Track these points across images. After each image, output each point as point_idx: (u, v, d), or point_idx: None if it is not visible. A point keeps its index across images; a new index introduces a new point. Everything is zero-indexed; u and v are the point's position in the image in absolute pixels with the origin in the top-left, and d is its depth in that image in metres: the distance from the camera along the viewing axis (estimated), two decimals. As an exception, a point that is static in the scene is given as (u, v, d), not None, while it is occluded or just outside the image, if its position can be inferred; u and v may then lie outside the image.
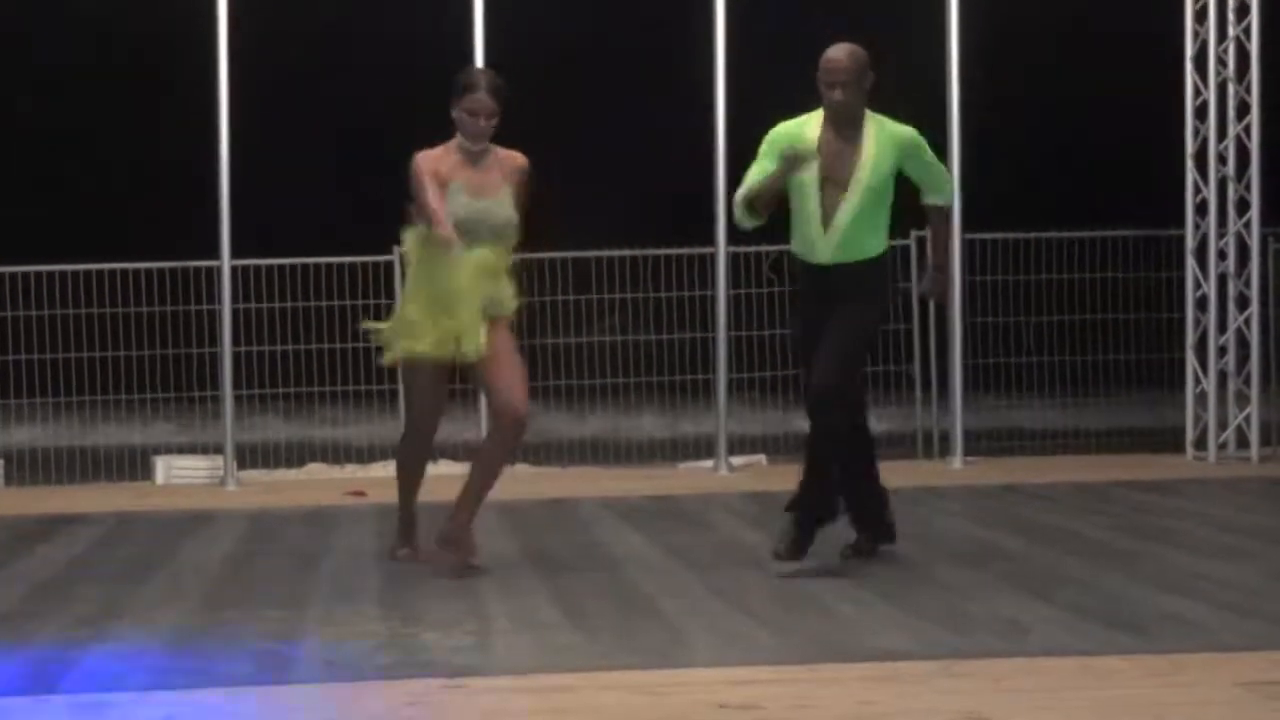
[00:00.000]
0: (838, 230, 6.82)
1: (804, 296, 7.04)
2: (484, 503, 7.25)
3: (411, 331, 7.07)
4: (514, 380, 7.06)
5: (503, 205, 7.06)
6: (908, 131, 6.94)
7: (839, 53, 6.86)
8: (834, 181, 6.81)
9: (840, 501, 7.04)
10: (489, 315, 7.02)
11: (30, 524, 9.01)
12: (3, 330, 11.49)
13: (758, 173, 6.89)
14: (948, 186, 7.17)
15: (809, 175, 6.80)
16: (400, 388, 9.62)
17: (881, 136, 6.83)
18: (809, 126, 6.87)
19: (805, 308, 7.01)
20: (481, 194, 7.04)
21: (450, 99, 7.12)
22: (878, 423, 12.29)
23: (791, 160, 6.74)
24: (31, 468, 11.66)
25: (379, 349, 7.34)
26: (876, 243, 6.91)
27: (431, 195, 6.94)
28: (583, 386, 12.16)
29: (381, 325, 7.27)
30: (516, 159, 7.16)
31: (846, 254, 6.85)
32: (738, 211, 6.97)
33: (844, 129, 6.83)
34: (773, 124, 7.02)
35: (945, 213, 7.22)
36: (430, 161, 7.05)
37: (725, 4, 10.56)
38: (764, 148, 6.92)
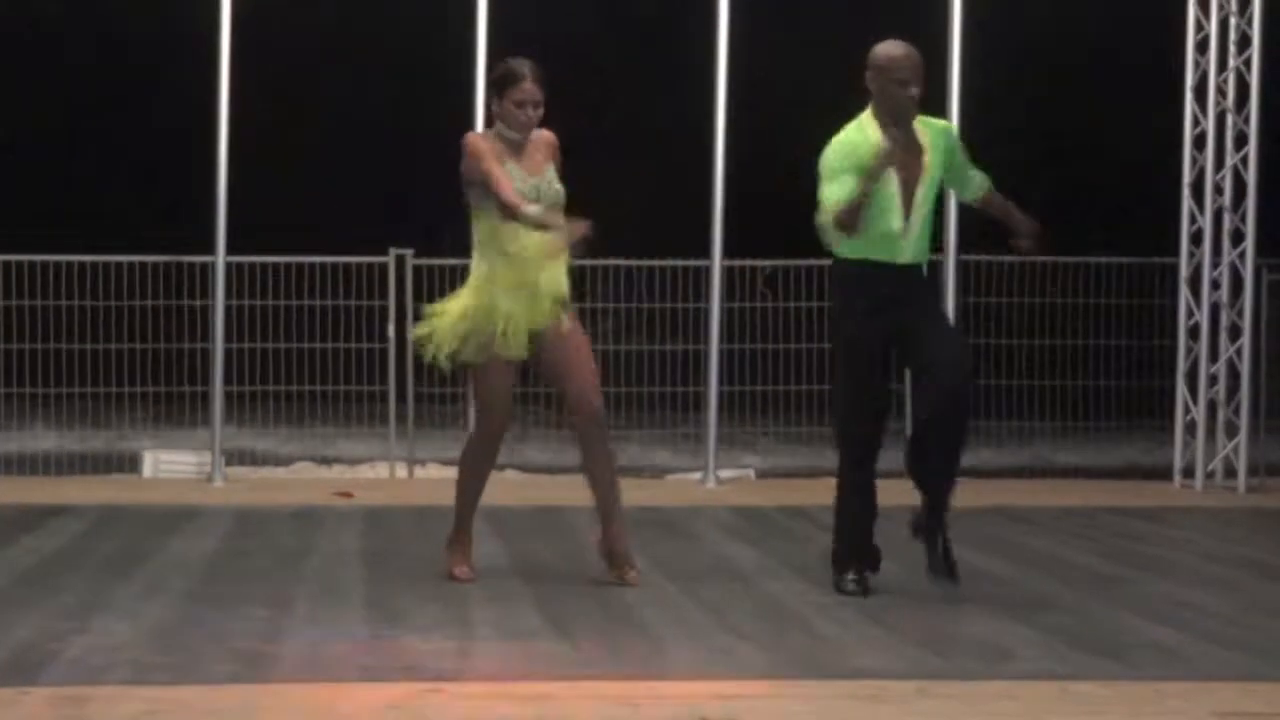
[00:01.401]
0: (915, 228, 6.79)
1: (875, 303, 6.75)
2: (478, 509, 7.20)
3: (487, 327, 6.87)
4: (582, 371, 6.92)
5: (552, 182, 6.94)
6: (939, 122, 6.94)
7: (907, 49, 6.81)
8: (907, 180, 6.76)
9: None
10: (561, 303, 6.92)
11: (15, 515, 9.00)
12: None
13: (840, 189, 6.67)
14: (977, 186, 6.98)
15: (887, 180, 6.73)
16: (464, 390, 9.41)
17: (930, 130, 6.83)
18: (869, 131, 6.77)
19: (876, 315, 6.73)
20: (534, 172, 6.94)
21: (492, 94, 7.00)
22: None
23: (889, 155, 6.65)
24: (18, 459, 11.65)
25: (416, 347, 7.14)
26: (930, 242, 6.93)
27: (503, 174, 6.79)
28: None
29: (431, 327, 6.98)
30: (547, 135, 7.02)
31: (921, 253, 6.83)
32: (831, 235, 6.78)
33: (904, 128, 6.77)
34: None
35: (985, 192, 7.04)
36: (488, 144, 6.94)
37: (728, 13, 10.58)
38: (833, 164, 6.71)
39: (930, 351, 6.70)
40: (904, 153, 6.73)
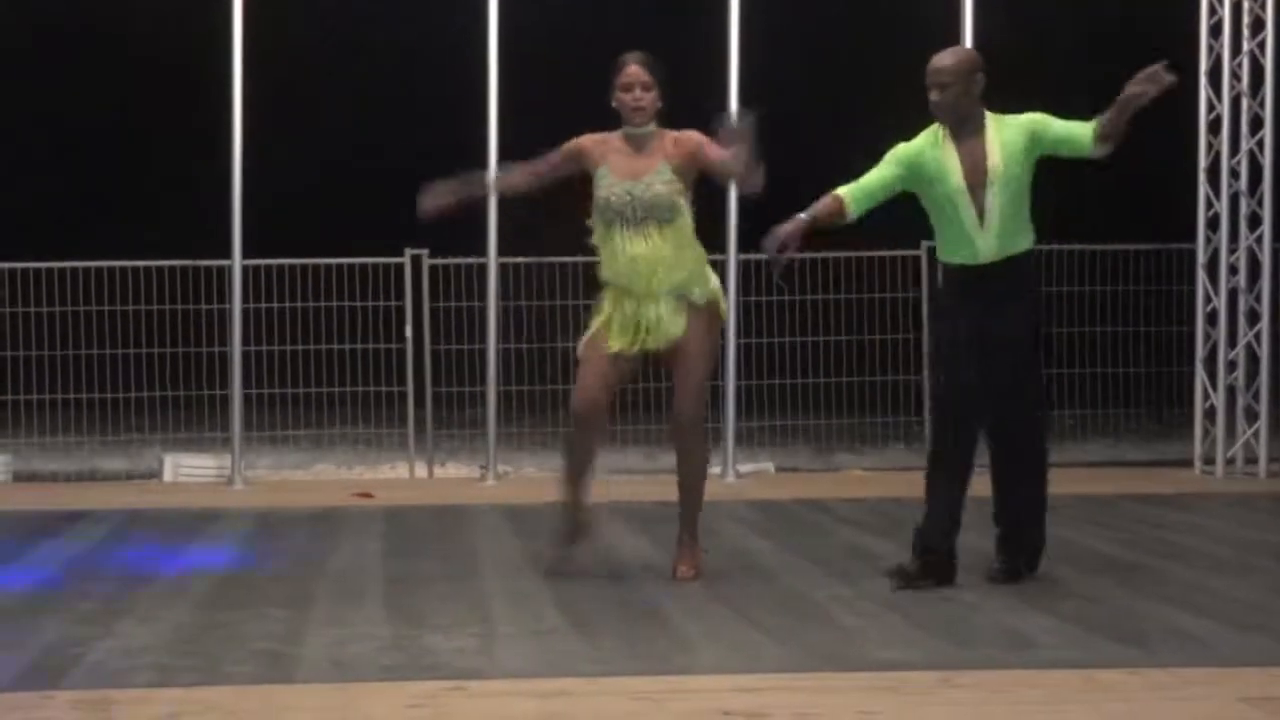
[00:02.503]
0: (994, 227, 6.80)
1: (958, 303, 6.89)
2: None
3: (602, 319, 6.95)
4: (685, 379, 6.89)
5: (651, 184, 6.83)
6: (1027, 116, 6.92)
7: (940, 56, 6.90)
8: (976, 184, 6.80)
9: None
10: (678, 302, 6.86)
11: (37, 520, 9.03)
12: (14, 325, 11.52)
13: (875, 177, 6.86)
14: (1088, 138, 6.84)
15: (956, 185, 6.78)
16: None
17: (1004, 128, 6.85)
18: (930, 141, 6.86)
19: (960, 314, 6.86)
20: (634, 176, 6.86)
21: (610, 93, 6.93)
22: (888, 432, 12.34)
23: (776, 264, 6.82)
24: (41, 463, 11.69)
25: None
26: (1027, 237, 6.90)
27: (523, 167, 6.85)
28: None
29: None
30: (685, 137, 6.89)
31: (1004, 249, 6.82)
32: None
33: (960, 132, 6.82)
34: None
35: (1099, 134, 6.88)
36: (585, 142, 6.93)
37: (739, 9, 10.57)
38: (888, 155, 6.90)
39: (998, 365, 6.79)
40: (967, 163, 6.79)
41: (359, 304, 11.58)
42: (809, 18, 12.98)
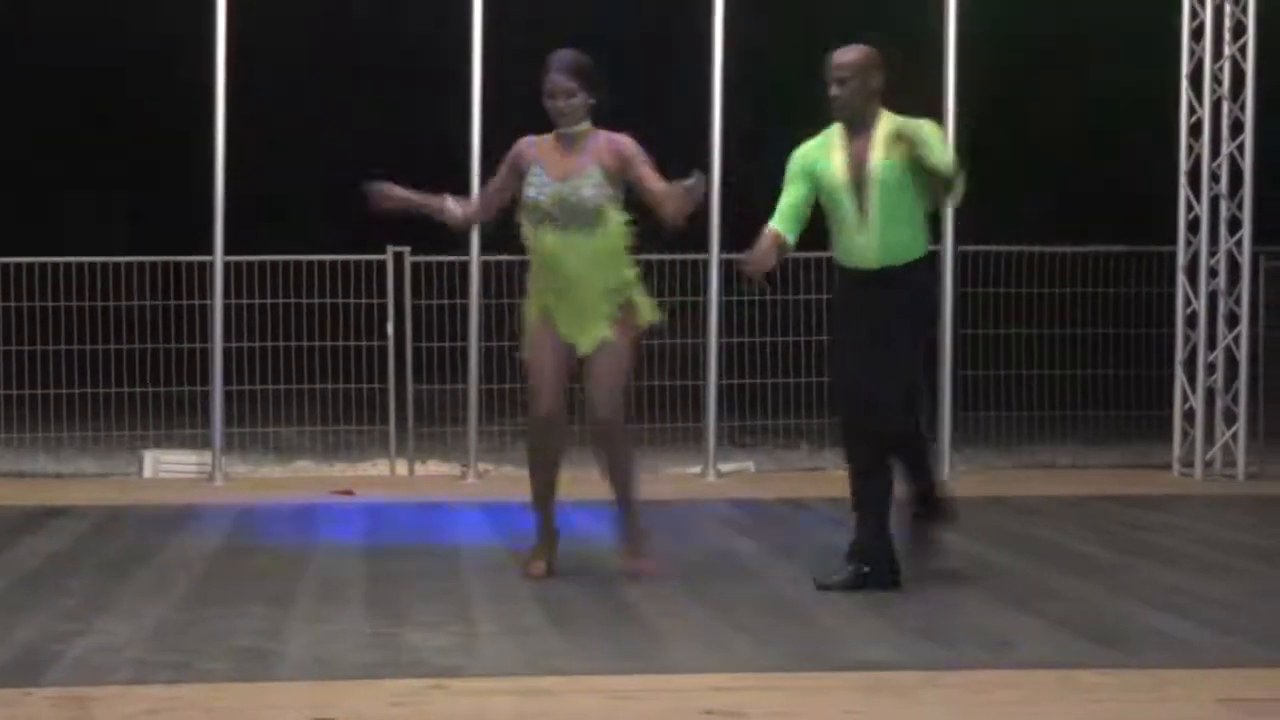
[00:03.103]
0: (875, 228, 6.79)
1: (849, 311, 6.90)
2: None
3: (529, 316, 6.97)
4: (601, 380, 6.89)
5: (579, 187, 6.84)
6: (919, 122, 6.87)
7: (840, 52, 6.89)
8: (859, 183, 6.80)
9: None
10: (600, 304, 6.87)
11: (16, 516, 9.00)
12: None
13: (785, 199, 6.88)
14: (950, 176, 6.79)
15: (838, 181, 6.79)
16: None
17: (891, 128, 6.81)
18: (829, 137, 6.87)
19: (850, 326, 6.88)
20: (566, 177, 6.87)
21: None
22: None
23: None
24: (18, 459, 11.66)
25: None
26: (918, 244, 6.87)
27: (479, 197, 6.97)
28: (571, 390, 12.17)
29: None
30: (616, 140, 6.90)
31: (889, 254, 6.80)
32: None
33: (854, 129, 6.82)
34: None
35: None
36: (520, 145, 6.97)
37: (724, 8, 10.58)
38: (788, 172, 6.89)
39: (865, 368, 6.77)
40: (853, 161, 6.77)
41: (341, 301, 11.56)
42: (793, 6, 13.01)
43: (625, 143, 6.90)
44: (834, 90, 6.82)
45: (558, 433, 7.00)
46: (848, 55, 6.87)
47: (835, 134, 6.89)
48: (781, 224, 6.86)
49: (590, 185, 6.85)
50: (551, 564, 7.06)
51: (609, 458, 7.01)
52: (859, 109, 6.81)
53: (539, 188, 6.89)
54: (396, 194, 7.02)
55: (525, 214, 6.97)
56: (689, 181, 6.72)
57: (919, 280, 6.93)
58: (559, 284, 6.90)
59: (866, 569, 6.80)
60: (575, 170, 6.87)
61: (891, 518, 6.89)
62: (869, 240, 6.80)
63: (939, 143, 6.88)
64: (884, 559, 6.83)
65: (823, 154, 6.87)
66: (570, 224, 6.86)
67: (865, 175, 6.78)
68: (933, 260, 7.03)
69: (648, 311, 7.03)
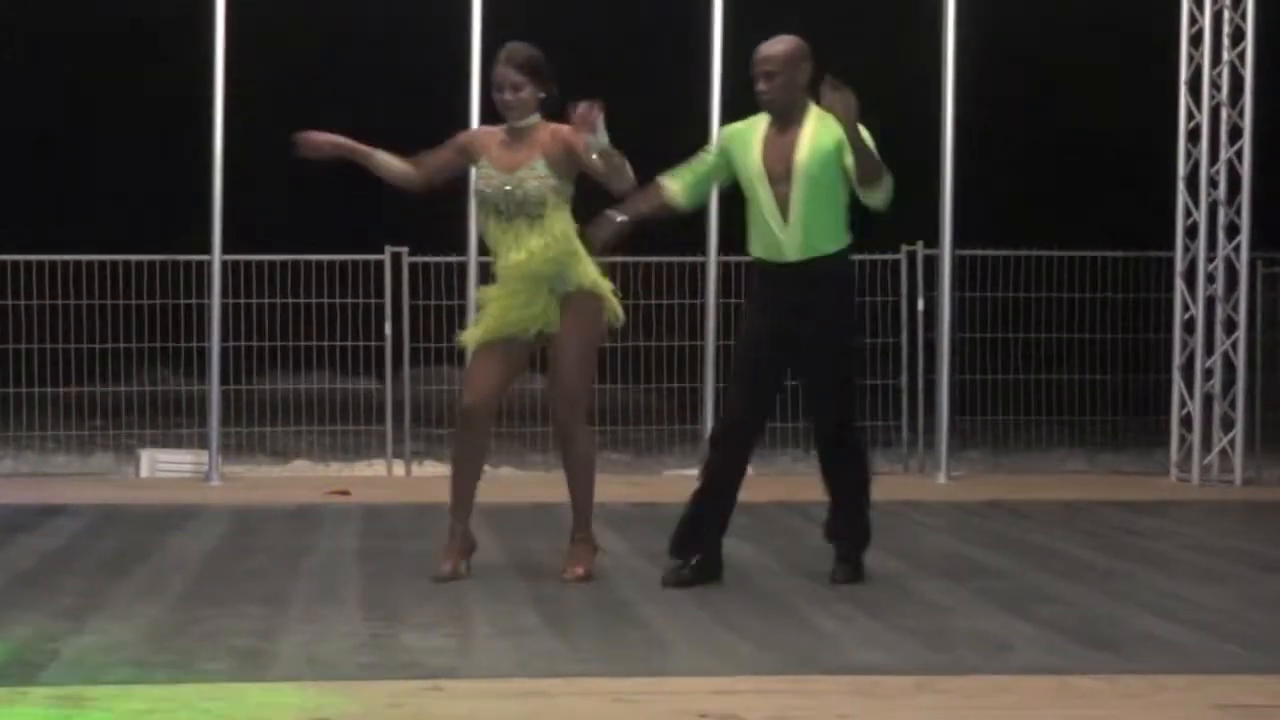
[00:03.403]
0: (797, 223, 6.73)
1: (762, 305, 6.86)
2: (478, 505, 7.18)
3: (483, 315, 6.97)
4: (556, 374, 6.88)
5: (524, 180, 6.81)
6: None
7: (767, 44, 6.83)
8: (781, 176, 6.74)
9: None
10: (550, 296, 6.86)
11: (13, 514, 9.00)
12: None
13: (697, 162, 6.91)
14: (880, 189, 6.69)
15: (756, 170, 6.75)
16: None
17: (820, 128, 6.73)
18: (757, 125, 6.84)
19: (762, 319, 6.83)
20: (512, 169, 6.85)
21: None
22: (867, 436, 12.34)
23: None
24: (15, 457, 11.66)
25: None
26: (836, 239, 6.77)
27: (415, 159, 6.91)
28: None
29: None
30: (560, 130, 6.84)
31: (812, 248, 6.73)
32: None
33: (782, 122, 6.76)
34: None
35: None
36: (473, 133, 6.97)
37: (723, 10, 10.58)
38: (711, 142, 6.94)
39: (816, 384, 6.80)
40: (775, 153, 6.74)
41: (338, 301, 11.57)
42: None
43: (569, 133, 6.82)
44: (761, 85, 6.75)
45: (481, 428, 6.98)
46: (775, 48, 6.79)
47: (762, 124, 6.83)
48: (674, 179, 6.87)
49: (534, 178, 6.83)
50: (458, 564, 6.99)
51: (568, 457, 7.02)
52: (787, 103, 6.74)
53: (486, 180, 6.90)
54: (323, 139, 6.97)
55: (477, 206, 7.01)
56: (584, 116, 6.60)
57: (840, 275, 6.83)
58: (509, 276, 6.90)
59: (695, 561, 6.86)
60: (521, 163, 6.85)
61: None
62: (790, 236, 6.73)
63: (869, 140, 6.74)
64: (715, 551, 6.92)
65: (745, 142, 6.81)
66: (517, 216, 6.85)
67: (791, 170, 6.70)
68: (851, 256, 6.90)
69: (611, 312, 6.99)
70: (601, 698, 5.05)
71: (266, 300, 11.54)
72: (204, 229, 10.54)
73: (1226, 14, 10.82)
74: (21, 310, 11.49)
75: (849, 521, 7.02)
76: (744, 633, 5.99)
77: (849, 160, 6.67)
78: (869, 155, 6.63)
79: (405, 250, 11.37)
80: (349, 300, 11.56)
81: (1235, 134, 10.83)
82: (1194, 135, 10.90)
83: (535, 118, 6.90)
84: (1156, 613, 6.42)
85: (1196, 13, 10.87)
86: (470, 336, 7.09)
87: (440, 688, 5.14)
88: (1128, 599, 6.73)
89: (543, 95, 6.89)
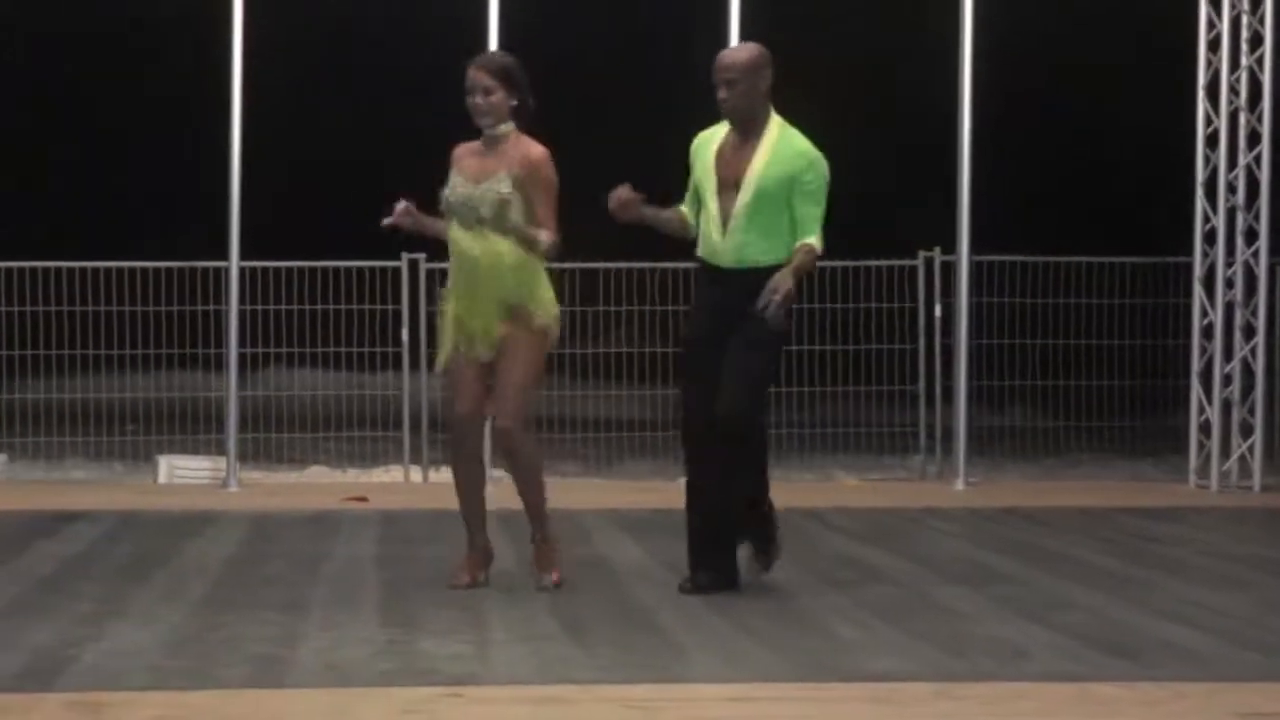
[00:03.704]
0: (736, 233, 6.71)
1: (702, 306, 6.89)
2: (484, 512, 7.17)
3: (445, 328, 6.99)
4: (500, 388, 6.86)
5: (486, 192, 6.80)
6: (808, 149, 6.72)
7: (728, 52, 6.83)
8: (730, 183, 6.73)
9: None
10: (499, 309, 6.85)
11: (31, 520, 9.02)
12: (9, 325, 11.51)
13: (690, 191, 6.91)
14: (815, 230, 6.67)
15: (707, 178, 6.76)
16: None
17: (781, 143, 6.72)
18: (720, 131, 6.84)
19: (702, 318, 6.86)
20: (480, 179, 6.84)
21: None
22: (883, 443, 12.33)
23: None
24: (34, 460, 11.68)
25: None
26: (774, 253, 6.71)
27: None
28: (588, 396, 12.19)
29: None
30: (527, 148, 6.83)
31: (746, 258, 6.71)
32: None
33: (742, 131, 6.75)
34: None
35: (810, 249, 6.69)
36: (456, 150, 6.98)
37: (739, 17, 10.58)
38: (691, 153, 6.90)
39: (724, 374, 6.69)
40: (730, 160, 6.72)
41: (356, 307, 11.58)
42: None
43: (537, 157, 6.82)
44: (721, 93, 6.72)
45: (474, 434, 7.00)
46: (736, 56, 6.78)
47: (725, 131, 6.82)
48: (685, 207, 6.91)
49: (498, 189, 6.82)
50: (476, 575, 6.99)
51: (511, 466, 6.99)
52: (748, 111, 6.71)
53: (452, 188, 6.90)
54: (409, 217, 7.00)
55: (444, 213, 6.97)
56: (549, 240, 6.76)
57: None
58: (465, 283, 6.91)
59: (711, 567, 6.83)
60: (489, 173, 6.85)
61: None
62: (726, 246, 6.74)
63: (803, 208, 6.67)
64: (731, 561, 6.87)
65: (706, 148, 6.83)
66: (480, 224, 6.86)
67: (741, 182, 6.69)
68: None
69: (553, 322, 6.92)
70: (619, 705, 5.04)
71: (284, 306, 11.56)
72: (222, 235, 10.55)
73: (1245, 19, 10.79)
74: (40, 316, 11.52)
75: (754, 522, 6.96)
76: (761, 639, 5.98)
77: (795, 205, 6.67)
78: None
79: (422, 257, 11.38)
80: (366, 306, 11.57)
81: (1254, 139, 10.80)
82: (1212, 140, 10.87)
83: (509, 126, 6.88)
84: (1175, 619, 6.39)
85: (1215, 17, 10.85)
86: (441, 360, 7.07)
87: (458, 694, 5.13)
88: (1146, 606, 6.70)
89: (515, 103, 6.87)
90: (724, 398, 6.67)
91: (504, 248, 6.84)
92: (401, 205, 6.99)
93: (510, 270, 6.83)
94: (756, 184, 6.68)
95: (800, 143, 6.75)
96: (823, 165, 6.74)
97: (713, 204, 6.77)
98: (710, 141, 6.86)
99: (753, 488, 6.93)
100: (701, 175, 6.81)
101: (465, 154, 6.98)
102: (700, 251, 6.90)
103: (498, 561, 7.25)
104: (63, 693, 5.11)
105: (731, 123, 6.79)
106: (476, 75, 6.87)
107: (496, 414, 6.90)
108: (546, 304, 6.91)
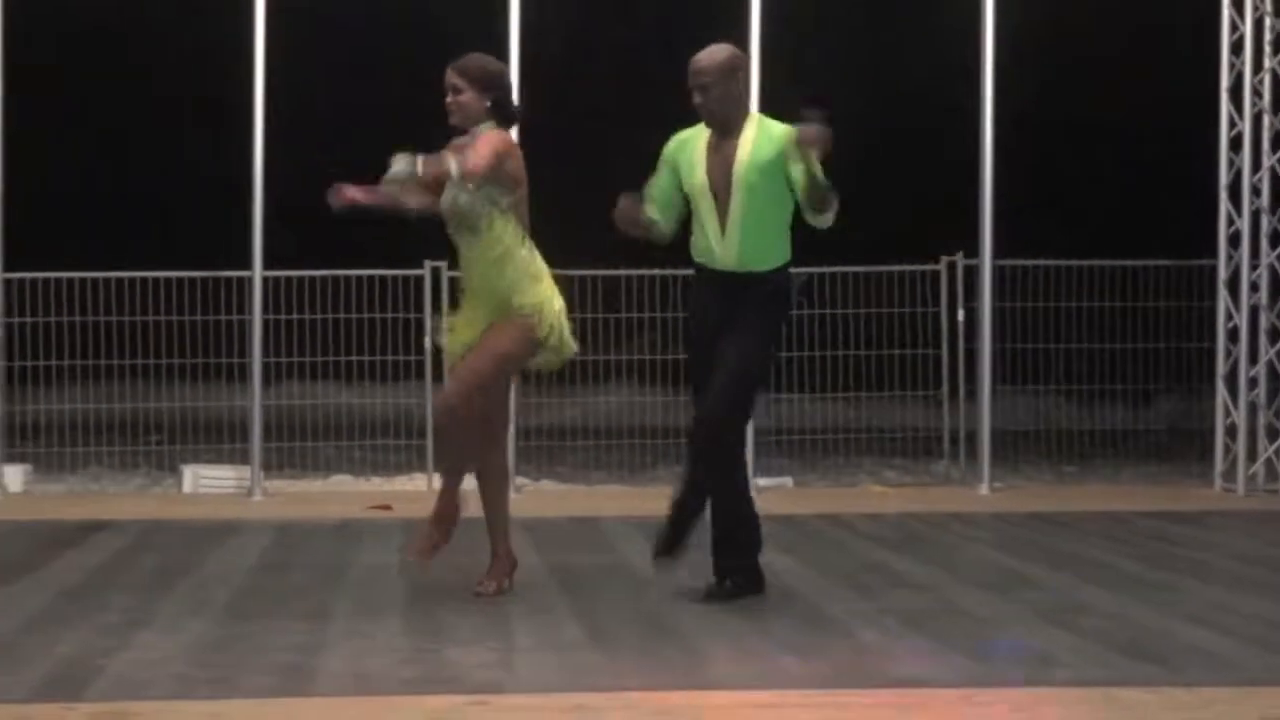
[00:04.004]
0: (734, 236, 6.69)
1: (701, 310, 6.84)
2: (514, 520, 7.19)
3: (449, 344, 7.02)
4: (460, 367, 6.83)
5: (460, 194, 6.79)
6: (788, 128, 6.62)
7: (701, 55, 6.75)
8: (720, 186, 6.69)
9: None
10: (487, 307, 6.84)
11: (57, 530, 9.05)
12: (34, 335, 11.55)
13: (655, 183, 6.82)
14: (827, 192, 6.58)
15: (699, 182, 6.73)
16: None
17: (760, 136, 6.67)
18: (700, 134, 6.80)
19: (701, 322, 6.81)
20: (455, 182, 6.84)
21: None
22: (908, 448, 12.32)
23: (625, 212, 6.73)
24: (60, 469, 11.72)
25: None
26: (779, 251, 6.73)
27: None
28: (611, 403, 12.19)
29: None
30: (490, 136, 6.78)
31: (748, 261, 6.70)
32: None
33: (721, 133, 6.72)
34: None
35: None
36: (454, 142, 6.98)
37: (760, 21, 10.58)
38: (661, 157, 6.84)
39: (713, 376, 6.67)
40: (716, 164, 6.68)
41: (379, 315, 11.60)
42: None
43: (484, 136, 6.77)
44: (697, 98, 6.69)
45: (485, 443, 6.96)
46: (709, 59, 6.72)
47: (702, 134, 6.78)
48: (657, 212, 6.80)
49: (467, 191, 6.78)
50: (501, 582, 6.96)
51: (446, 442, 6.96)
52: (724, 113, 6.68)
53: (445, 192, 6.89)
54: (348, 194, 6.93)
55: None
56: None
57: (776, 282, 6.75)
58: (466, 290, 6.95)
59: (736, 574, 6.80)
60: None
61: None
62: (727, 248, 6.70)
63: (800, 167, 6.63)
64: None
65: (689, 153, 6.77)
66: (459, 230, 6.86)
67: (731, 181, 6.65)
68: (789, 268, 6.83)
69: (538, 320, 6.82)
70: (644, 712, 5.04)
71: (307, 316, 11.58)
72: (245, 245, 10.57)
73: (1268, 20, 10.76)
74: (64, 326, 11.56)
75: (734, 534, 6.91)
76: (787, 646, 5.97)
77: (794, 173, 6.59)
78: (822, 187, 6.55)
79: (444, 265, 11.40)
80: (389, 315, 11.59)
81: (1278, 141, 10.77)
82: (1236, 143, 10.84)
83: (486, 126, 6.85)
84: (1202, 624, 6.37)
85: (1237, 20, 10.82)
86: (446, 370, 7.08)
87: (484, 702, 5.13)
88: (1173, 610, 6.68)
89: (488, 103, 6.83)
90: (707, 400, 6.69)
91: (477, 247, 6.81)
92: (345, 192, 6.90)
93: (492, 277, 6.80)
94: (744, 182, 6.65)
95: (778, 127, 6.68)
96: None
97: (708, 208, 6.72)
98: (688, 145, 6.80)
99: (711, 491, 6.84)
100: (692, 182, 6.75)
101: (459, 149, 6.93)
102: (695, 254, 6.86)
103: (523, 570, 7.25)
104: (90, 703, 5.12)
105: (709, 126, 6.76)
106: (448, 76, 6.90)
107: (445, 392, 6.91)
108: (534, 301, 6.83)
